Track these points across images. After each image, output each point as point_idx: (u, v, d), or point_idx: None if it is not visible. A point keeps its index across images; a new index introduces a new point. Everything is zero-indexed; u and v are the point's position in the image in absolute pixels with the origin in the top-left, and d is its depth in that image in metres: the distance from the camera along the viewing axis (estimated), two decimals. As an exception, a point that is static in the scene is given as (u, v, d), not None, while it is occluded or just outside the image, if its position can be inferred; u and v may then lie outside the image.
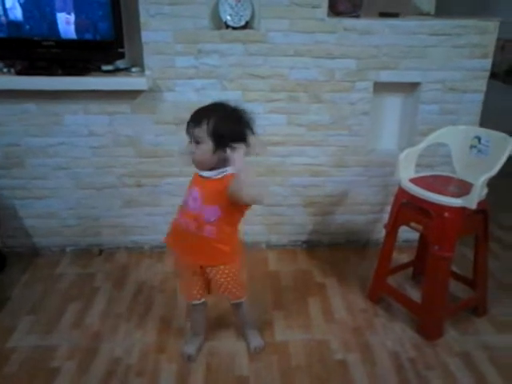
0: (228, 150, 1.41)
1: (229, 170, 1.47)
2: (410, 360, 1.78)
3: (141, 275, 2.29)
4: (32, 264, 2.38)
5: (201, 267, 1.63)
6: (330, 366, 1.75)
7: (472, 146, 1.92)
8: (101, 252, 2.49)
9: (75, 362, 1.75)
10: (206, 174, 1.52)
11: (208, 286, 1.71)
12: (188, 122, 1.47)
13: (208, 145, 1.44)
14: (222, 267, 1.61)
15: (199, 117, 1.46)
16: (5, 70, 2.05)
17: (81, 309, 2.04)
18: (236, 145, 1.42)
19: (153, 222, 2.42)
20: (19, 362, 1.75)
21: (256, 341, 1.83)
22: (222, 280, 1.64)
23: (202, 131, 1.43)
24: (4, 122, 2.17)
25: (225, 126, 1.44)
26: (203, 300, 1.73)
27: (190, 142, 1.47)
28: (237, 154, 1.40)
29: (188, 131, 1.47)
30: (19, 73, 2.01)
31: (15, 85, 2.03)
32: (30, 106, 2.14)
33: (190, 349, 1.78)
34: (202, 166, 1.51)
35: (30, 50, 2.02)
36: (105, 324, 1.95)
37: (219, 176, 1.49)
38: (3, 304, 2.07)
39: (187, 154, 1.48)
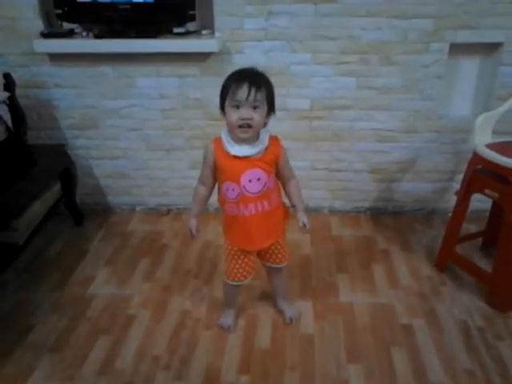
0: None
1: (262, 137, 1.45)
2: (478, 329, 1.74)
3: (207, 235, 2.36)
4: (106, 221, 2.53)
5: None
6: (395, 330, 1.75)
7: (558, 111, 1.80)
8: (168, 211, 2.59)
9: (149, 311, 1.86)
10: (250, 151, 1.43)
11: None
12: (242, 86, 1.34)
13: (264, 109, 1.40)
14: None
15: (257, 80, 1.37)
16: (84, 33, 2.13)
17: (151, 263, 2.16)
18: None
19: (218, 185, 2.47)
20: (100, 308, 1.89)
21: (292, 310, 1.81)
22: (276, 244, 1.62)
23: (262, 95, 1.37)
24: (83, 84, 2.26)
25: (272, 90, 1.42)
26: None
27: (237, 107, 1.36)
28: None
29: (243, 95, 1.34)
30: (97, 36, 2.09)
31: (93, 48, 2.11)
32: (107, 69, 2.22)
33: (229, 320, 1.76)
34: (253, 133, 1.41)
35: (107, 13, 2.08)
36: (174, 279, 2.05)
37: (264, 148, 1.45)
38: (84, 255, 2.23)
39: (239, 122, 1.37)
